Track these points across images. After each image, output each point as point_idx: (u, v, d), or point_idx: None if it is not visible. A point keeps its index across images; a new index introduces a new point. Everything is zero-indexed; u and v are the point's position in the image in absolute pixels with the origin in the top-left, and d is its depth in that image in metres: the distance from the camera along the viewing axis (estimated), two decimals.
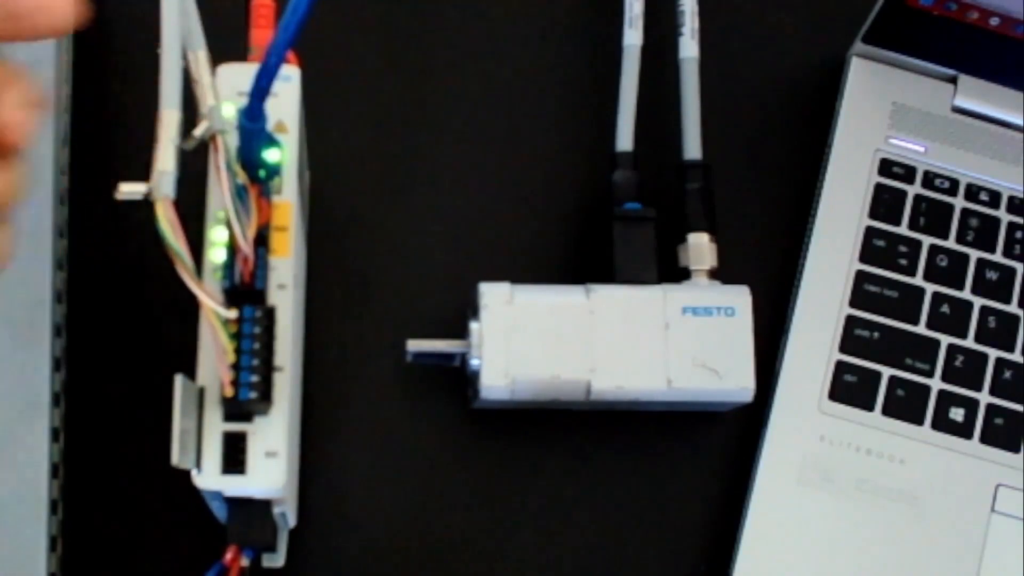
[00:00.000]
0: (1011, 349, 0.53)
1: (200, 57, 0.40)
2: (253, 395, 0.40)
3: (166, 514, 0.49)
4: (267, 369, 0.40)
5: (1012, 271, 0.54)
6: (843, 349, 0.52)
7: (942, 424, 0.52)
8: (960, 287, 0.53)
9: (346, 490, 0.51)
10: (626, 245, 0.51)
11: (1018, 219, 0.54)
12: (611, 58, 0.54)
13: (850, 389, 0.52)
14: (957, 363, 0.52)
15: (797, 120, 0.57)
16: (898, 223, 0.54)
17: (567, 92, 0.56)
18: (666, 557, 0.52)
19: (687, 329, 0.49)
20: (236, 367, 0.40)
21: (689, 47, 0.54)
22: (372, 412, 0.52)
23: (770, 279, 0.54)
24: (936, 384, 0.52)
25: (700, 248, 0.51)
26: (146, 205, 0.38)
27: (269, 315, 0.41)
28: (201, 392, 0.41)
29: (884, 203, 0.54)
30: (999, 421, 0.52)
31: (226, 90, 0.42)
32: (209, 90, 0.39)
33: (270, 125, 0.41)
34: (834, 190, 0.54)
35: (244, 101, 0.38)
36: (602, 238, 0.51)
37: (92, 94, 0.53)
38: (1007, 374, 0.53)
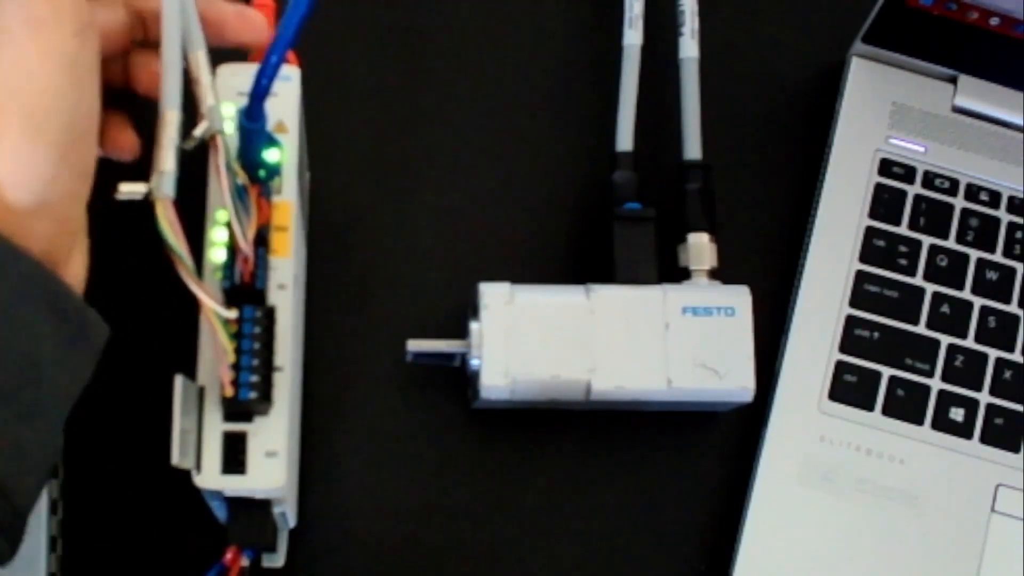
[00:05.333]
0: (1011, 349, 0.53)
1: (200, 57, 0.40)
2: (253, 395, 0.40)
3: (166, 514, 0.49)
4: (267, 369, 0.40)
5: (1012, 271, 0.54)
6: (843, 349, 0.52)
7: (942, 424, 0.52)
8: (960, 287, 0.53)
9: (346, 490, 0.51)
10: (626, 245, 0.51)
11: (1018, 219, 0.54)
12: (611, 58, 0.54)
13: (850, 389, 0.52)
14: (957, 363, 0.52)
15: (797, 120, 0.57)
16: (898, 223, 0.54)
17: (567, 92, 0.56)
18: (666, 557, 0.52)
19: (687, 329, 0.48)
20: (236, 367, 0.40)
21: (689, 47, 0.54)
22: (372, 412, 0.52)
23: (770, 279, 0.54)
24: (936, 384, 0.52)
25: (700, 248, 0.51)
26: (146, 205, 0.38)
27: (269, 315, 0.41)
28: (201, 392, 0.41)
29: (884, 203, 0.54)
30: (999, 421, 0.52)
31: (226, 90, 0.42)
32: (209, 90, 0.39)
33: (270, 125, 0.41)
34: (834, 190, 0.54)
35: (244, 101, 0.38)
36: (602, 238, 0.51)
37: None
38: (1007, 374, 0.53)
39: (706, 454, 0.53)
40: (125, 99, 0.44)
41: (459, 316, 0.51)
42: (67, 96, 0.36)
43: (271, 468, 0.40)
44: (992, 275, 0.54)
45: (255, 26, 0.43)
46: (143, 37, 0.43)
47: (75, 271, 0.38)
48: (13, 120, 0.35)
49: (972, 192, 0.55)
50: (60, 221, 0.37)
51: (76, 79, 0.36)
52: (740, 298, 0.49)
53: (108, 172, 0.45)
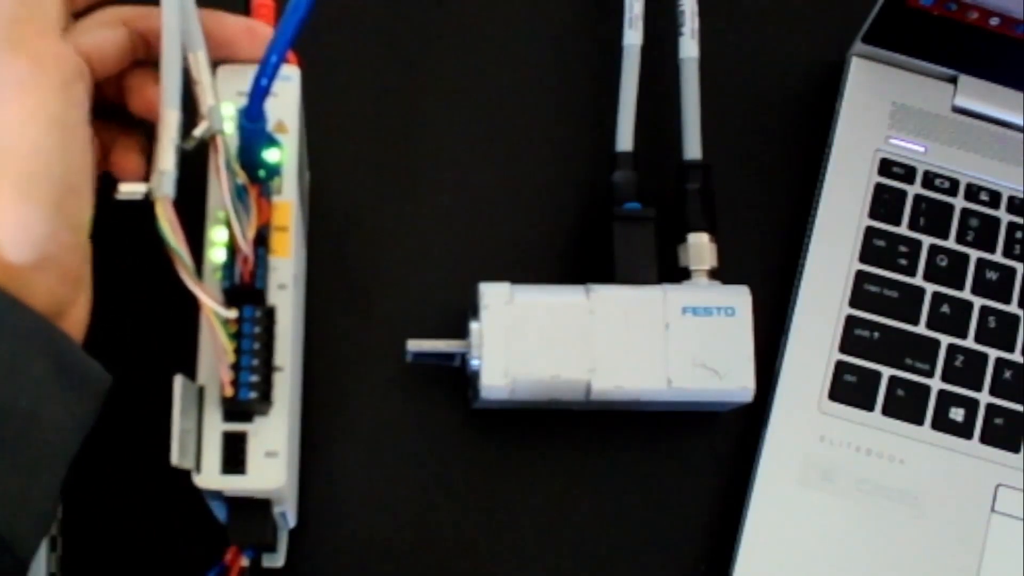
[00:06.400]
0: (1011, 349, 0.53)
1: (200, 57, 0.40)
2: (253, 395, 0.40)
3: (166, 514, 0.49)
4: (267, 369, 0.40)
5: (1012, 271, 0.54)
6: (843, 349, 0.52)
7: (942, 424, 0.52)
8: (960, 287, 0.53)
9: (346, 490, 0.51)
10: (626, 245, 0.51)
11: (1018, 219, 0.54)
12: (611, 58, 0.54)
13: (850, 389, 0.52)
14: (957, 363, 0.52)
15: (797, 120, 0.57)
16: (898, 223, 0.54)
17: (567, 92, 0.56)
18: (666, 557, 0.52)
19: (687, 329, 0.48)
20: (236, 367, 0.40)
21: (689, 47, 0.54)
22: (372, 412, 0.52)
23: (770, 279, 0.54)
24: (936, 384, 0.52)
25: (700, 248, 0.51)
26: (146, 205, 0.38)
27: (269, 315, 0.41)
28: (201, 392, 0.41)
29: (884, 203, 0.54)
30: (999, 421, 0.52)
31: (226, 90, 0.42)
32: (209, 90, 0.39)
33: (270, 125, 0.41)
34: (834, 190, 0.54)
35: (244, 101, 0.38)
36: (602, 238, 0.51)
37: None
38: (1007, 374, 0.53)
39: (706, 454, 0.53)
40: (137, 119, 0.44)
41: (459, 316, 0.51)
42: (55, 154, 0.36)
43: (271, 468, 0.40)
44: (992, 275, 0.54)
45: (265, 41, 0.43)
46: (144, 56, 0.43)
47: (77, 318, 0.38)
48: (6, 182, 0.35)
49: (972, 192, 0.55)
50: (61, 273, 0.37)
51: (63, 136, 0.36)
52: (740, 298, 0.49)
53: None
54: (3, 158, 0.35)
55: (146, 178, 0.38)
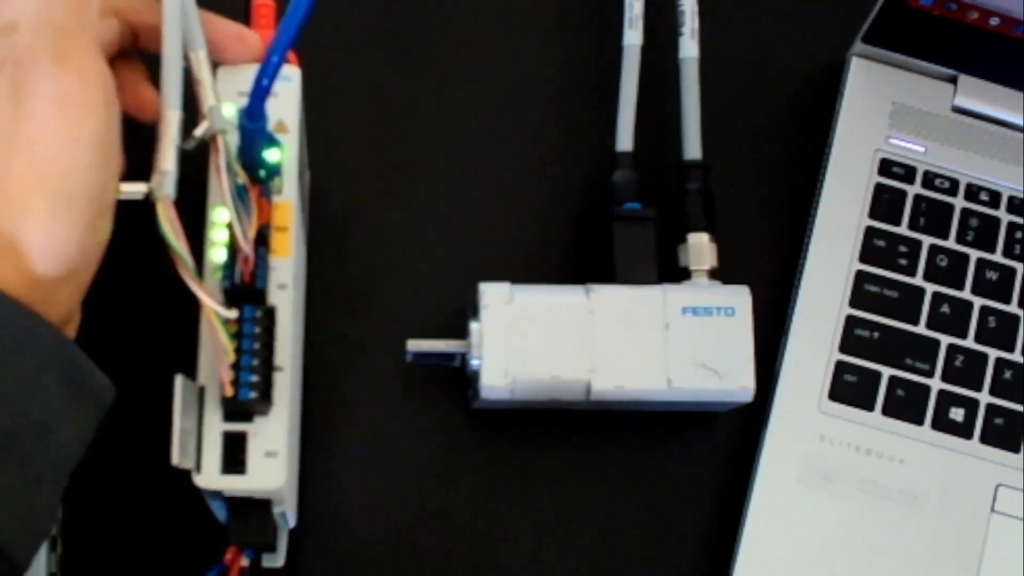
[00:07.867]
0: (1011, 349, 0.53)
1: (201, 57, 0.40)
2: (253, 395, 0.40)
3: (166, 514, 0.49)
4: (267, 369, 0.40)
5: (1012, 271, 0.54)
6: (843, 349, 0.52)
7: (942, 424, 0.52)
8: (960, 287, 0.53)
9: (346, 490, 0.51)
10: (626, 245, 0.51)
11: (1018, 219, 0.54)
12: (611, 58, 0.54)
13: (850, 389, 0.52)
14: (957, 363, 0.52)
15: (797, 120, 0.57)
16: (898, 223, 0.54)
17: (567, 92, 0.56)
18: (666, 557, 0.52)
19: (687, 329, 0.48)
20: (236, 367, 0.40)
21: (689, 47, 0.54)
22: (372, 412, 0.52)
23: (770, 279, 0.54)
24: (936, 384, 0.52)
25: (700, 248, 0.51)
26: (147, 205, 0.38)
27: (269, 315, 0.41)
28: (201, 392, 0.41)
29: (884, 203, 0.54)
30: (999, 421, 0.52)
31: (226, 90, 0.42)
32: (210, 90, 0.39)
33: (270, 125, 0.41)
34: (834, 190, 0.54)
35: (244, 101, 0.38)
36: (602, 238, 0.51)
37: None
38: (1007, 374, 0.53)
39: (706, 454, 0.53)
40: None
41: (459, 316, 0.51)
42: (95, 173, 0.36)
43: (271, 468, 0.40)
44: (992, 275, 0.54)
45: (253, 49, 0.43)
46: (131, 47, 0.43)
47: (75, 326, 0.39)
48: (45, 198, 0.35)
49: (972, 192, 0.55)
50: (80, 285, 0.37)
51: (103, 155, 0.36)
52: (740, 298, 0.49)
53: None
54: (45, 173, 0.35)
55: (144, 168, 0.38)
